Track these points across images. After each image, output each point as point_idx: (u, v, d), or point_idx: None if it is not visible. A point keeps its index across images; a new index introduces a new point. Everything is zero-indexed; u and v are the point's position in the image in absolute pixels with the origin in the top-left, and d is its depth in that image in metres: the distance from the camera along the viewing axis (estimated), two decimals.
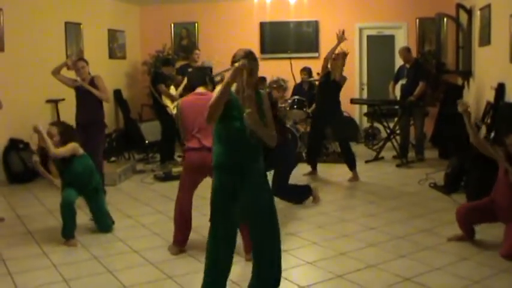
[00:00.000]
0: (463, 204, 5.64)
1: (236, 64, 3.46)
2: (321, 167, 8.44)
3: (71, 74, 7.30)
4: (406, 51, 9.61)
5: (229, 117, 3.57)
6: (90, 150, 6.85)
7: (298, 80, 10.29)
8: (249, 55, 3.60)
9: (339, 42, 8.05)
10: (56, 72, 7.02)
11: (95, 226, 5.86)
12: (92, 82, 7.00)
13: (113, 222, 5.91)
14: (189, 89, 5.30)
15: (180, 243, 5.15)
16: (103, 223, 5.83)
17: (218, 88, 3.47)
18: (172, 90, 9.29)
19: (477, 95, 9.10)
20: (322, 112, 8.18)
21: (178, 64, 11.12)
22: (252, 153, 3.69)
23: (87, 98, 6.98)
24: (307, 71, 10.27)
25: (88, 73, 7.08)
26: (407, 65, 9.60)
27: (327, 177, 8.25)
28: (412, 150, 9.56)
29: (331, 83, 7.97)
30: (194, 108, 5.00)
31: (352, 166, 8.04)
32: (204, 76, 5.32)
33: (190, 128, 5.04)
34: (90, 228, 5.88)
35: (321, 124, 8.24)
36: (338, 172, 8.57)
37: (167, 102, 9.17)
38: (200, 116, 4.70)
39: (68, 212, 5.41)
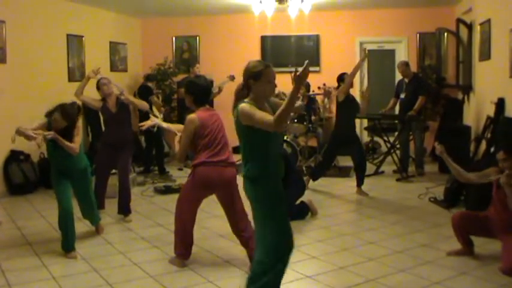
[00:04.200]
0: (459, 211, 5.64)
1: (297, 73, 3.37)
2: (321, 182, 8.43)
3: (89, 92, 7.15)
4: (404, 65, 9.65)
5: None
6: (122, 169, 6.88)
7: None
8: (269, 65, 3.77)
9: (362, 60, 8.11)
10: (79, 93, 6.69)
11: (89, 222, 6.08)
12: (118, 99, 6.78)
13: (99, 219, 6.19)
14: (195, 103, 5.08)
15: (184, 256, 5.14)
16: (89, 211, 6.00)
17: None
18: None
19: (477, 110, 9.12)
20: (346, 129, 8.00)
21: (180, 77, 11.26)
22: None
23: (121, 117, 6.77)
24: (304, 86, 10.29)
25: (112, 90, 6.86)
26: (406, 80, 9.64)
27: (327, 192, 8.24)
28: (412, 165, 9.57)
29: (351, 101, 7.97)
30: (213, 124, 4.98)
31: (362, 182, 8.04)
32: (210, 93, 5.33)
33: (207, 142, 4.92)
34: (87, 233, 5.89)
35: (343, 141, 8.06)
36: (338, 186, 8.58)
37: (157, 113, 9.29)
38: (222, 131, 4.99)
39: (69, 222, 5.41)
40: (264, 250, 3.71)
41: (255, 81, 3.70)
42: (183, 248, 5.12)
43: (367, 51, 8.20)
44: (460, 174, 5.24)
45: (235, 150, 4.51)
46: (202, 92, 5.09)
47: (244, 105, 3.61)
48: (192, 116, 4.96)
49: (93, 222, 6.15)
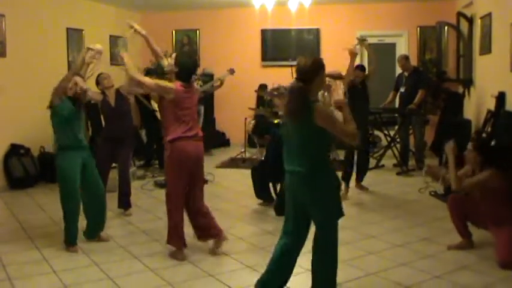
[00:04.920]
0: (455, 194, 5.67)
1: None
2: None
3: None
4: (404, 59, 9.66)
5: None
6: (122, 164, 6.83)
7: None
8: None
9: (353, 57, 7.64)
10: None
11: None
12: (118, 93, 6.75)
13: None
14: (177, 77, 5.16)
15: (183, 246, 5.17)
16: (98, 210, 5.67)
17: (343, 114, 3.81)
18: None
19: (478, 104, 9.11)
20: (364, 119, 7.73)
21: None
22: None
23: (121, 111, 6.73)
24: None
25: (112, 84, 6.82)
26: (406, 73, 9.64)
27: None
28: (412, 158, 9.57)
29: (356, 91, 7.72)
30: (188, 99, 5.10)
31: (362, 179, 7.97)
32: (192, 75, 5.36)
33: (182, 116, 5.03)
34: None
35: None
36: None
37: (155, 106, 9.29)
38: (194, 108, 5.16)
39: (77, 216, 5.39)
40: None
41: (321, 74, 3.86)
42: (180, 241, 5.16)
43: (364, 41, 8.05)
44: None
45: None
46: (187, 71, 5.16)
47: (323, 107, 3.75)
48: (172, 86, 5.02)
49: (100, 228, 5.76)
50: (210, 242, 5.41)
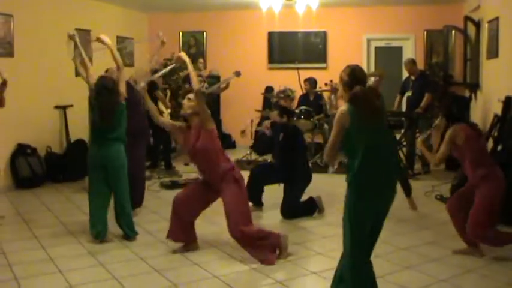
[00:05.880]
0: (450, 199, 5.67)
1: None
2: (324, 178, 8.41)
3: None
4: (411, 63, 9.65)
5: None
6: (136, 162, 6.76)
7: None
8: None
9: None
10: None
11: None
12: (129, 84, 6.80)
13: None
14: None
15: None
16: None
17: None
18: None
19: (484, 108, 9.09)
20: None
21: (186, 72, 11.23)
22: None
23: (134, 102, 6.71)
24: (310, 82, 10.28)
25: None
26: (413, 77, 9.63)
27: (331, 188, 8.23)
28: (418, 162, 9.55)
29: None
30: None
31: None
32: None
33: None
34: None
35: None
36: (342, 183, 8.53)
37: (163, 108, 9.28)
38: None
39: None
40: None
41: None
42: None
43: None
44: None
45: None
46: None
47: None
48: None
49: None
50: (218, 245, 5.43)
